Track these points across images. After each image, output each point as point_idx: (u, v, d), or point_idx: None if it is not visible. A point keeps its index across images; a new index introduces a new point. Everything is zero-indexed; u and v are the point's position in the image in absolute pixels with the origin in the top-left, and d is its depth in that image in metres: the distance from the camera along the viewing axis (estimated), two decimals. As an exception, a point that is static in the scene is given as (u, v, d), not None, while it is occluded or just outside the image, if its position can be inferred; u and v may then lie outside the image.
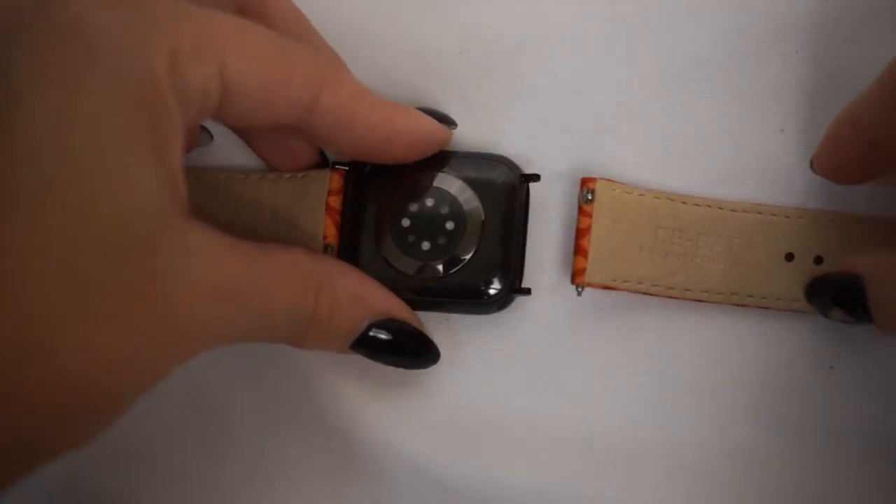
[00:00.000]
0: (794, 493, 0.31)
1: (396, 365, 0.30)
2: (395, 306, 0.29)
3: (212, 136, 0.33)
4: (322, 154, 0.32)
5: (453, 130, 0.31)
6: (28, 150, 0.21)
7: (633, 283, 0.31)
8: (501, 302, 0.31)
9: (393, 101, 0.29)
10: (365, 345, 0.29)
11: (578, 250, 0.31)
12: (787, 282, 0.31)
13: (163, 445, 0.33)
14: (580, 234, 0.30)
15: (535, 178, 0.31)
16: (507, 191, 0.31)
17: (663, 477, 0.31)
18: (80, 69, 0.21)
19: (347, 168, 0.31)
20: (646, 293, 0.31)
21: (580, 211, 0.31)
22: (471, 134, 0.32)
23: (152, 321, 0.22)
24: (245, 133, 0.32)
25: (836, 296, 0.29)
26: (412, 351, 0.30)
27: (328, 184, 0.31)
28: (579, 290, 0.31)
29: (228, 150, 0.33)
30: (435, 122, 0.30)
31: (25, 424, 0.21)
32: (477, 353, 0.32)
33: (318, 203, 0.31)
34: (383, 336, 0.29)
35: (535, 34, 0.32)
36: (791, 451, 0.31)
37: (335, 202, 0.31)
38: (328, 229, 0.31)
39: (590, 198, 0.30)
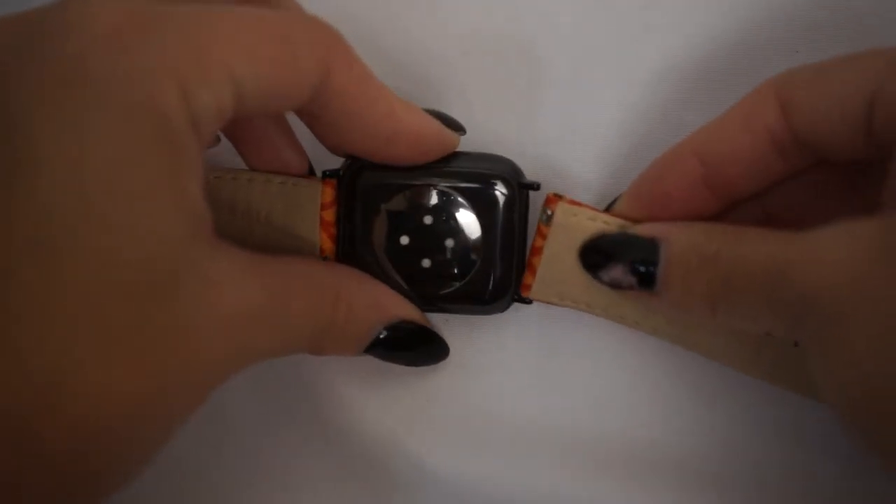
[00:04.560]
0: (797, 497, 0.31)
1: (407, 363, 0.32)
2: (407, 310, 0.30)
3: (219, 139, 0.32)
4: (310, 165, 0.32)
5: (461, 136, 0.30)
6: (43, 203, 0.20)
7: (582, 304, 0.30)
8: (502, 309, 0.31)
9: (399, 98, 0.28)
10: (377, 347, 0.30)
11: (528, 266, 0.30)
12: (738, 343, 0.29)
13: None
14: (533, 251, 0.30)
15: (535, 186, 0.30)
16: (506, 202, 0.30)
17: (664, 478, 0.31)
18: (88, 112, 0.21)
19: (337, 178, 0.31)
20: (596, 315, 0.30)
21: (538, 229, 0.30)
22: (472, 135, 0.32)
23: (177, 359, 0.22)
24: (237, 139, 0.31)
25: (621, 251, 0.27)
26: (422, 348, 0.31)
27: (320, 197, 0.30)
28: (527, 300, 0.31)
29: (218, 150, 0.33)
30: (441, 126, 0.29)
31: (49, 478, 0.21)
32: (478, 353, 0.33)
33: (311, 217, 0.31)
34: (395, 337, 0.30)
35: (536, 35, 0.32)
36: (794, 454, 0.31)
37: (329, 216, 0.31)
38: (325, 244, 0.31)
39: (546, 219, 0.29)
